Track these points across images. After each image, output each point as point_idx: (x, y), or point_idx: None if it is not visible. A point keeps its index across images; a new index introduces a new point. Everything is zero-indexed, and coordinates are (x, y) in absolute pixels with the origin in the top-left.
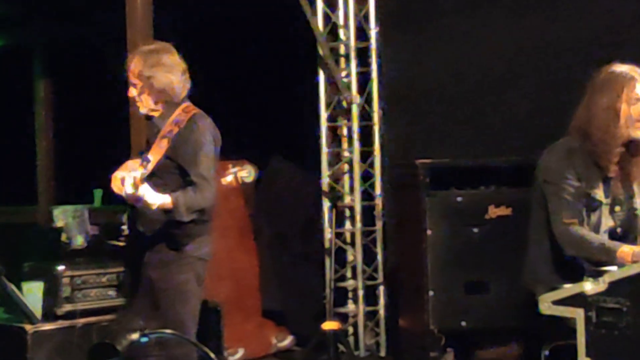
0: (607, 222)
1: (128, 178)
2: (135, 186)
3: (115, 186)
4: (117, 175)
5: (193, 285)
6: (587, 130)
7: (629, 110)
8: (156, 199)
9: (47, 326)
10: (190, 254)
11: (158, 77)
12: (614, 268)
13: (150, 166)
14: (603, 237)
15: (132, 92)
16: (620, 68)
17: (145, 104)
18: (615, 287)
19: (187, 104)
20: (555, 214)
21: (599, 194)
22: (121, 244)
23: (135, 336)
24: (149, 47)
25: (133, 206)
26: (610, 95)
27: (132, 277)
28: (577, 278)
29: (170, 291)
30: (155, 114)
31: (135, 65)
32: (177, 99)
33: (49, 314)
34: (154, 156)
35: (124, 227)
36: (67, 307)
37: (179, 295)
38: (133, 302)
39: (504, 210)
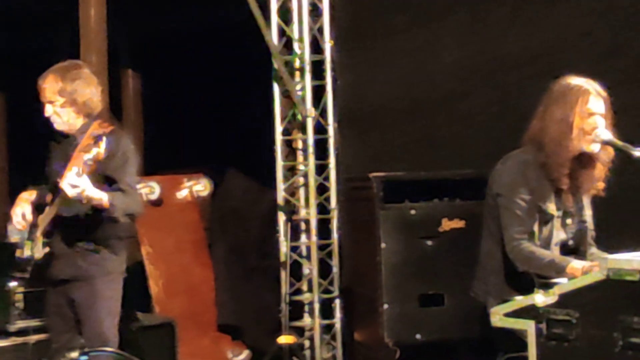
0: (559, 235)
1: (71, 170)
2: (80, 174)
3: (16, 222)
4: (16, 210)
5: (118, 301)
6: (540, 141)
7: (581, 123)
8: (95, 193)
9: (0, 343)
10: (114, 270)
11: (80, 90)
12: (564, 280)
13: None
14: (554, 252)
15: (48, 110)
16: (576, 81)
17: (65, 120)
18: (565, 299)
19: (100, 119)
20: (507, 229)
21: (551, 207)
22: (25, 275)
23: (74, 355)
24: (62, 65)
25: (55, 221)
26: (564, 108)
27: (50, 296)
28: (527, 289)
29: (99, 308)
30: (73, 129)
31: (52, 83)
32: (96, 112)
33: (1, 331)
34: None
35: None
36: (20, 324)
37: (106, 311)
38: (61, 321)
39: (457, 223)
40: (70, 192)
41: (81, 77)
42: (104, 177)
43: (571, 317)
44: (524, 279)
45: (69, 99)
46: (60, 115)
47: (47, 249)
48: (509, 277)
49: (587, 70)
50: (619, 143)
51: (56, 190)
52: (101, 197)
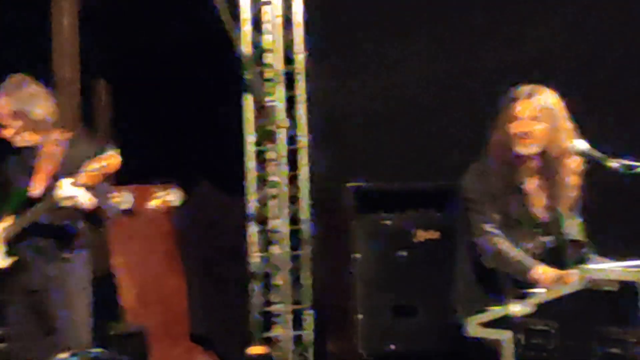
0: (525, 244)
1: (65, 181)
2: (76, 185)
3: None
4: None
5: (90, 308)
6: (489, 147)
7: (512, 127)
8: (88, 199)
9: None
10: (86, 278)
11: (35, 110)
12: (541, 290)
13: (41, 190)
14: (522, 253)
15: (5, 133)
16: (517, 87)
17: (26, 139)
18: (543, 309)
19: (60, 127)
20: (475, 225)
21: (514, 213)
22: None
23: (64, 356)
24: (9, 84)
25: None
26: (503, 114)
27: (13, 305)
28: (495, 293)
29: (76, 317)
30: (34, 143)
31: (5, 107)
32: (53, 122)
33: None
34: (42, 179)
35: None
36: None
37: (82, 319)
38: (24, 330)
39: (431, 234)
40: (65, 203)
41: (32, 94)
42: None
43: (550, 328)
44: (491, 283)
45: (25, 120)
46: (18, 136)
47: (15, 258)
48: (477, 283)
49: (564, 84)
50: (596, 154)
51: (23, 200)
52: (94, 201)
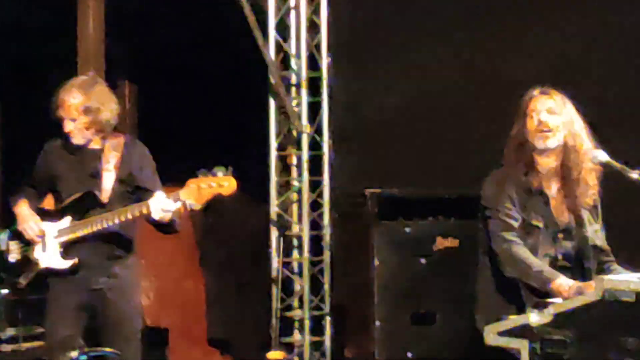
0: (546, 249)
1: (159, 193)
2: (176, 199)
3: (35, 237)
4: (30, 225)
5: None
6: (507, 146)
7: (531, 124)
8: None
9: None
10: (140, 274)
11: (105, 109)
12: (558, 300)
13: (109, 193)
14: (543, 263)
15: (69, 126)
16: (529, 91)
17: (84, 136)
18: (560, 318)
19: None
20: (495, 233)
21: (535, 218)
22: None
23: (74, 354)
24: (83, 79)
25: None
26: (520, 117)
27: (62, 298)
28: (515, 304)
29: (134, 312)
30: (90, 142)
31: (75, 99)
32: (112, 127)
33: None
34: (108, 184)
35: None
36: (11, 331)
37: (139, 313)
38: (64, 323)
39: (451, 242)
40: (159, 216)
41: (103, 93)
42: (133, 188)
43: (566, 337)
44: (512, 293)
45: (93, 119)
46: (82, 132)
47: (75, 261)
48: (497, 291)
49: (584, 93)
50: (616, 164)
51: (90, 203)
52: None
